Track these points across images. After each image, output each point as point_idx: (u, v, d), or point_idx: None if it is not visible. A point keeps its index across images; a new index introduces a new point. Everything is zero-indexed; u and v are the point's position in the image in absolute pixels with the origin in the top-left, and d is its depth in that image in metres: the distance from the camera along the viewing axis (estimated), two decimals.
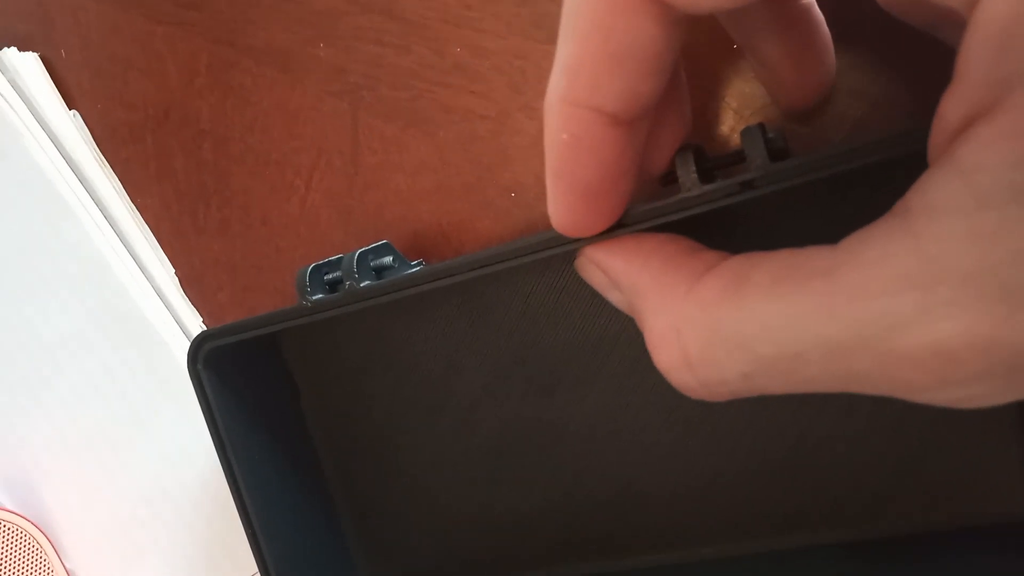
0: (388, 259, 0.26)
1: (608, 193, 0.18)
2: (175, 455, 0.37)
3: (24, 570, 0.39)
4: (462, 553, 0.30)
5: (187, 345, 0.28)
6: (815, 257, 0.15)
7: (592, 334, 0.26)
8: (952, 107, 0.14)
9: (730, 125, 0.25)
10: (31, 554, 0.39)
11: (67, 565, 0.40)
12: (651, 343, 0.18)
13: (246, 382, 0.29)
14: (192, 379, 0.28)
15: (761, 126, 0.20)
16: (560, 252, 0.21)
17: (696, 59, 0.24)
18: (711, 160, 0.21)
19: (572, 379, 0.27)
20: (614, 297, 0.20)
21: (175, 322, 0.35)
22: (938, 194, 0.14)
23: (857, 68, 0.23)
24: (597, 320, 0.26)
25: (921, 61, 0.22)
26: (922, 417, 0.23)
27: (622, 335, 0.26)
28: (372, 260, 0.26)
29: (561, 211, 0.18)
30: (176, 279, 0.35)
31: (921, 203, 0.14)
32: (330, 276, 0.26)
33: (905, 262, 0.14)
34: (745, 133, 0.19)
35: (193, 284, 0.35)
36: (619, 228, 0.20)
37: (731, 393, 0.17)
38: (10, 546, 0.39)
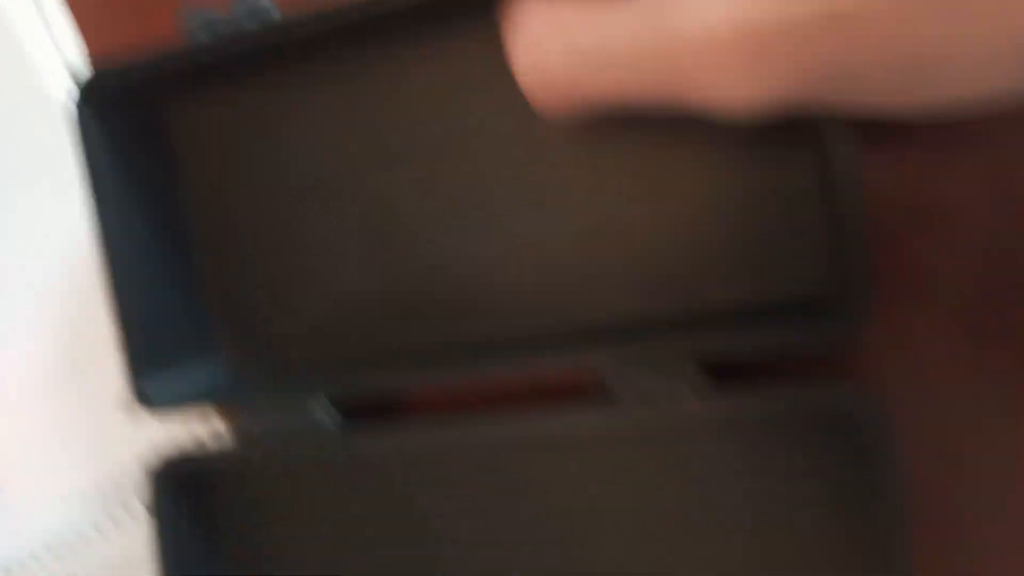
0: None
1: None
2: (40, 235, 0.32)
3: None
4: (326, 338, 0.29)
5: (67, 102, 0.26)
6: None
7: (462, 112, 0.26)
8: None
9: None
10: None
11: None
12: (512, 58, 0.19)
13: (128, 140, 0.27)
14: (78, 122, 0.26)
15: None
16: None
17: None
18: None
19: (441, 161, 0.27)
20: None
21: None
22: None
23: None
24: (468, 98, 0.26)
25: None
26: (735, 204, 0.24)
27: (488, 118, 0.26)
28: None
29: None
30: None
31: None
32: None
33: None
34: None
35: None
36: None
37: (566, 100, 0.18)
38: None
